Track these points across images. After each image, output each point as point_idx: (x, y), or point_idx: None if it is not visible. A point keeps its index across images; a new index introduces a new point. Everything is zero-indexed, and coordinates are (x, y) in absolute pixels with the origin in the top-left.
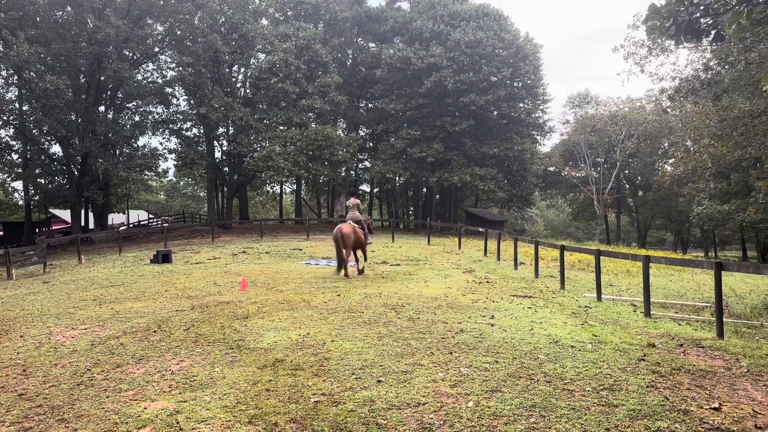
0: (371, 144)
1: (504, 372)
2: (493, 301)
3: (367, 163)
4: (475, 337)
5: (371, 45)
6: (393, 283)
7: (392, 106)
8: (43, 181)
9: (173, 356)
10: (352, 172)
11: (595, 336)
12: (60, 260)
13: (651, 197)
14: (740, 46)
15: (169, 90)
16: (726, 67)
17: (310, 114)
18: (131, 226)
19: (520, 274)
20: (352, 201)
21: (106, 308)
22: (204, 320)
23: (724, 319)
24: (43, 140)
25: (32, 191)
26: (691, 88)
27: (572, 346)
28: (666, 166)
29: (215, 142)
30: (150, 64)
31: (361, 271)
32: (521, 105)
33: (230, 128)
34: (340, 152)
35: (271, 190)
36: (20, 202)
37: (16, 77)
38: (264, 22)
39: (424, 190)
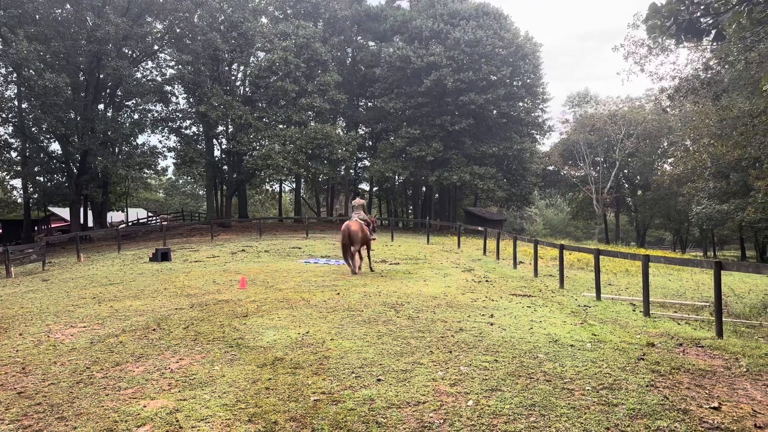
0: (371, 143)
1: (504, 371)
2: (493, 300)
3: (367, 162)
4: (474, 336)
5: (371, 43)
6: (392, 282)
7: (392, 105)
8: (42, 179)
9: (172, 354)
10: (351, 170)
11: (595, 335)
12: (59, 258)
13: (650, 197)
14: (740, 45)
15: (168, 88)
16: (726, 66)
17: (309, 112)
18: (130, 224)
19: (520, 273)
20: (358, 201)
21: (105, 306)
22: (203, 318)
23: (724, 319)
24: (42, 138)
25: (31, 189)
26: (691, 87)
27: (572, 345)
28: (665, 165)
29: (214, 140)
30: (149, 62)
31: (370, 269)
32: (521, 104)
33: (229, 126)
34: (340, 151)
35: (270, 189)
36: (19, 200)
37: (15, 75)
38: (263, 20)
39: (424, 189)
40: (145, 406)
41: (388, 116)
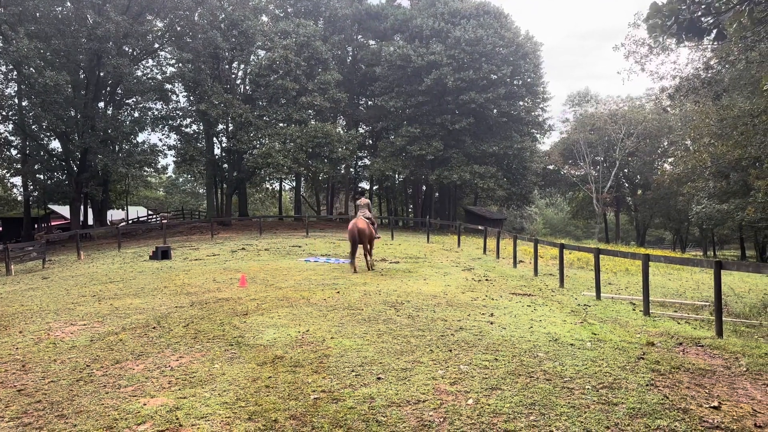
0: (371, 141)
1: (503, 370)
2: (493, 299)
3: (367, 161)
4: (474, 335)
5: (371, 42)
6: (392, 281)
7: (392, 104)
8: (42, 176)
9: (172, 352)
10: (351, 169)
11: (595, 334)
12: (59, 256)
13: (650, 196)
14: (741, 45)
15: (168, 86)
16: (726, 66)
17: (309, 111)
18: (130, 222)
19: (520, 272)
20: (362, 200)
21: (105, 304)
22: (203, 317)
23: (724, 318)
24: (42, 136)
25: (31, 187)
26: (692, 87)
27: (571, 345)
28: (665, 165)
29: (215, 138)
30: (150, 61)
31: (371, 266)
32: (521, 103)
33: (230, 125)
34: (340, 149)
35: (270, 187)
36: (19, 198)
37: (15, 73)
38: (264, 18)
39: (424, 187)
40: (145, 404)
41: (388, 115)
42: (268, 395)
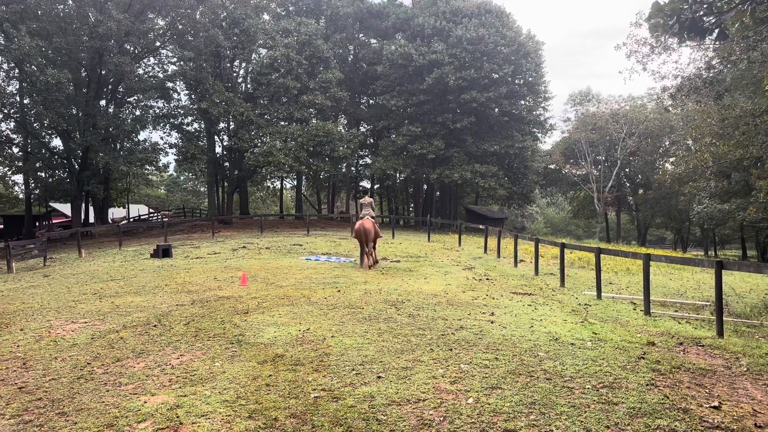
0: (372, 140)
1: (504, 369)
2: (493, 299)
3: (368, 160)
4: (475, 334)
5: (373, 41)
6: (393, 280)
7: (393, 103)
8: (43, 174)
9: (173, 350)
10: (352, 168)
11: (595, 334)
12: (60, 254)
13: (651, 196)
14: (743, 44)
15: (170, 84)
16: (728, 65)
17: (311, 110)
18: (131, 220)
19: (520, 272)
20: (367, 199)
21: (106, 302)
22: (204, 315)
23: (724, 318)
24: (43, 134)
25: (33, 185)
26: (693, 86)
27: (572, 344)
28: (667, 164)
29: (216, 137)
30: (151, 59)
31: (375, 262)
32: (522, 102)
33: (231, 123)
34: (341, 148)
35: (271, 186)
36: (21, 196)
37: (17, 70)
38: (265, 17)
39: (425, 186)
40: (145, 402)
41: (389, 114)
42: (268, 393)
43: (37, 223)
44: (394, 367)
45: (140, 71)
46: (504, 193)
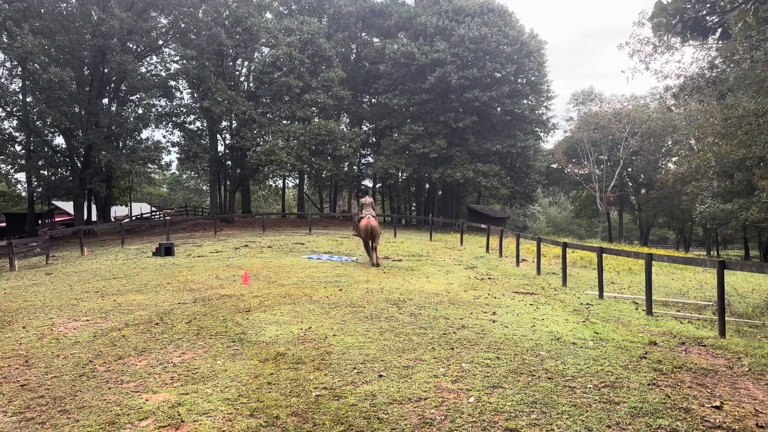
0: (374, 139)
1: (505, 368)
2: (495, 298)
3: (370, 159)
4: (476, 333)
5: (375, 40)
6: (395, 279)
7: (396, 102)
8: (46, 172)
9: (175, 349)
10: (354, 167)
11: (597, 333)
12: (62, 252)
13: (654, 195)
14: (746, 44)
15: (172, 83)
16: (731, 65)
17: (313, 108)
18: (134, 218)
19: (522, 271)
20: (367, 199)
21: (108, 300)
22: (206, 313)
23: (726, 318)
24: (46, 132)
25: (35, 183)
26: (696, 86)
27: (574, 343)
28: (669, 164)
29: (218, 135)
30: (154, 57)
31: (377, 262)
32: (525, 101)
33: (233, 122)
34: (343, 147)
35: (273, 185)
36: (23, 194)
37: (20, 68)
38: (268, 15)
39: (427, 185)
40: (147, 400)
41: (392, 113)
42: (269, 392)
43: (40, 221)
44: (395, 366)
45: (143, 70)
46: (506, 193)
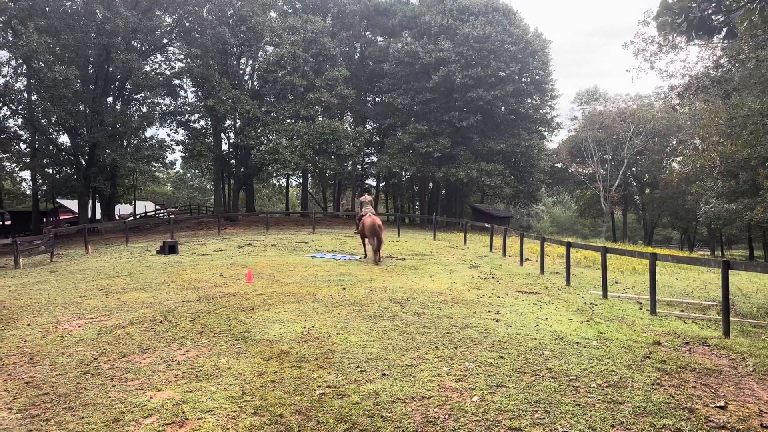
0: (378, 138)
1: (509, 367)
2: (499, 297)
3: (374, 158)
4: (480, 332)
5: (379, 39)
6: (398, 278)
7: (399, 101)
8: (50, 171)
9: (179, 347)
10: (358, 166)
11: (601, 333)
12: (67, 250)
13: (658, 195)
14: (752, 43)
15: (177, 82)
16: (737, 64)
17: (317, 107)
18: (138, 217)
19: (526, 271)
20: (367, 197)
21: (112, 298)
22: (210, 311)
23: (731, 318)
24: (51, 130)
25: (40, 181)
26: (701, 85)
27: (577, 343)
28: (674, 164)
29: (222, 134)
30: (158, 56)
31: (379, 261)
32: (529, 101)
33: (237, 121)
34: (347, 146)
35: (277, 183)
36: (28, 192)
37: (25, 67)
38: (272, 14)
39: (431, 185)
40: (151, 398)
41: (395, 112)
42: (273, 390)
43: (44, 219)
44: (399, 365)
45: (147, 68)
46: (510, 192)
